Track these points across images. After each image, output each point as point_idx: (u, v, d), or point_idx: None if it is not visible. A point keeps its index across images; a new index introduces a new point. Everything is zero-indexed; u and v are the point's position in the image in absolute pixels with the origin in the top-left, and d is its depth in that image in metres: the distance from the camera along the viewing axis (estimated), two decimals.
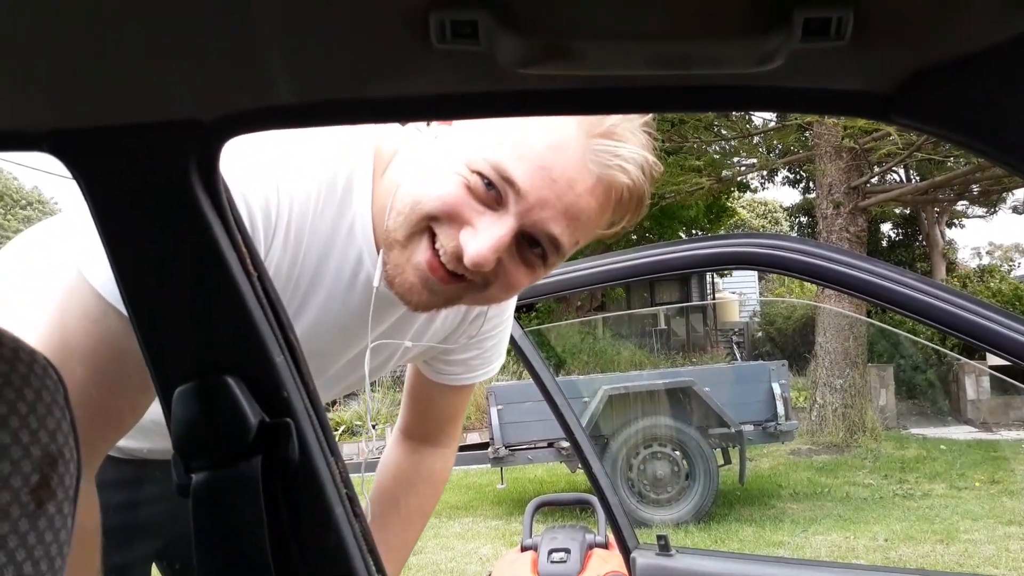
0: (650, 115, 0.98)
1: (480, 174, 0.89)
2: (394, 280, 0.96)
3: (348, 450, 9.74)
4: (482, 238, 0.89)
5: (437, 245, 0.92)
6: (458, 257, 0.91)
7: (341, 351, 1.12)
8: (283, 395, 0.74)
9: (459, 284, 0.94)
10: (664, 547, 1.79)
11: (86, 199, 0.69)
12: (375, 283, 1.00)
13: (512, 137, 0.89)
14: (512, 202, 0.89)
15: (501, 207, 0.90)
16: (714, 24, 0.46)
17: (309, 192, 0.95)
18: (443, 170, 0.91)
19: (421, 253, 0.93)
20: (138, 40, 0.51)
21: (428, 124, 1.01)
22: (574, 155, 0.88)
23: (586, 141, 0.89)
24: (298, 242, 0.96)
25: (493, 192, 0.89)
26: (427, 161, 0.95)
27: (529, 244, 0.93)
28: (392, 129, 1.06)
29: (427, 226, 0.92)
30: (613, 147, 0.89)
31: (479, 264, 0.90)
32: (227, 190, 0.72)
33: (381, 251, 0.98)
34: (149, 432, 1.11)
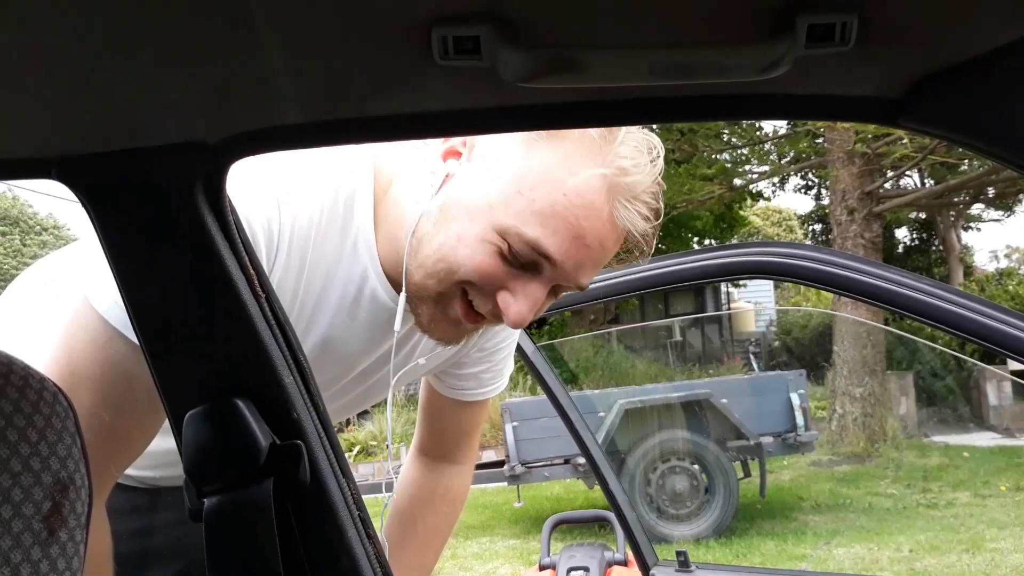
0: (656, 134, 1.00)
1: (512, 245, 0.92)
2: (431, 330, 1.01)
3: (364, 471, 9.72)
4: (522, 302, 0.94)
5: (472, 298, 0.96)
6: (494, 314, 0.96)
7: (349, 367, 1.12)
8: (293, 417, 0.74)
9: (485, 321, 1.00)
10: (684, 563, 1.77)
11: (94, 224, 0.69)
12: (396, 327, 1.01)
13: (539, 203, 0.90)
14: (546, 268, 0.93)
15: (534, 271, 0.94)
16: (718, 32, 0.45)
17: (312, 212, 0.96)
18: (474, 235, 0.93)
19: (456, 308, 0.97)
20: (142, 64, 0.51)
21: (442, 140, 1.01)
22: (603, 216, 0.91)
23: (612, 199, 0.91)
24: (301, 262, 0.96)
25: (525, 263, 0.93)
26: (451, 216, 0.95)
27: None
28: (389, 146, 1.07)
29: (461, 288, 0.96)
30: (637, 202, 0.92)
31: (519, 324, 0.96)
32: (234, 211, 0.72)
33: (402, 297, 0.99)
34: (160, 460, 1.11)
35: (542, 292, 0.95)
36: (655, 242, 1.00)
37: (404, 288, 0.98)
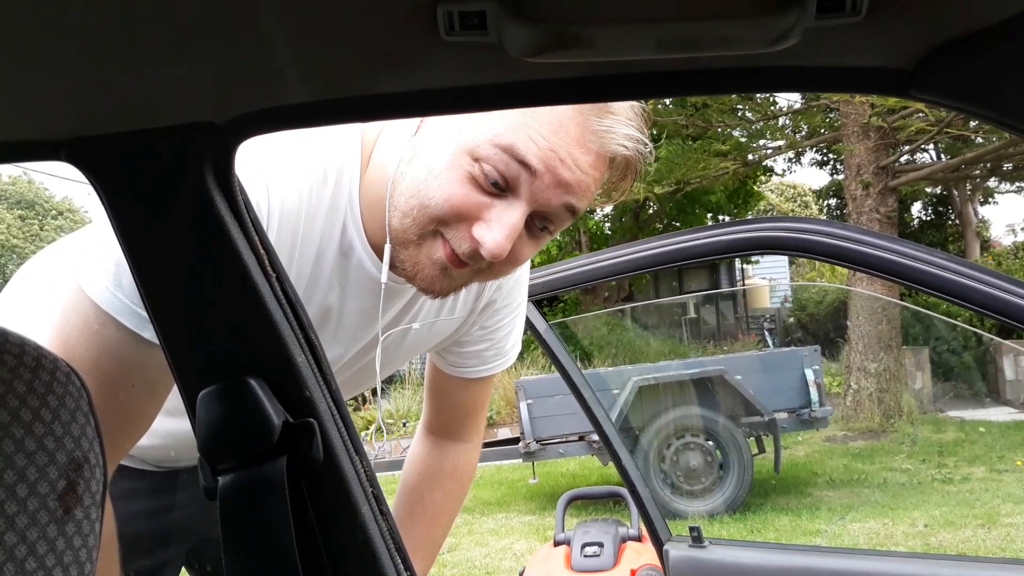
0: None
1: (485, 161, 0.89)
2: (414, 276, 0.97)
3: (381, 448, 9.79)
4: (497, 230, 0.90)
5: (449, 239, 0.93)
6: (474, 252, 0.92)
7: (350, 343, 1.12)
8: (306, 395, 0.74)
9: (472, 267, 0.96)
10: (697, 539, 1.77)
11: (104, 206, 0.69)
12: (383, 279, 1.00)
13: (510, 121, 0.89)
14: (524, 185, 0.90)
15: (510, 194, 0.91)
16: (726, 4, 0.45)
17: (300, 191, 0.96)
18: (444, 164, 0.91)
19: (438, 250, 0.94)
20: (150, 45, 0.51)
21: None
22: (573, 135, 0.90)
23: (583, 120, 0.90)
24: (293, 242, 0.97)
25: (500, 185, 0.90)
26: (423, 151, 0.94)
27: (535, 219, 0.95)
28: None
29: (438, 231, 0.94)
30: (609, 123, 0.91)
31: (498, 255, 0.91)
32: (243, 191, 0.72)
33: (387, 247, 0.97)
34: (173, 441, 1.12)
35: (518, 218, 0.91)
36: (636, 177, 0.98)
37: (388, 237, 0.97)
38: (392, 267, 0.99)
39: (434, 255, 0.95)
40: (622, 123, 0.92)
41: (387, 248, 0.97)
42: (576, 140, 0.90)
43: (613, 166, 0.95)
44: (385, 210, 0.96)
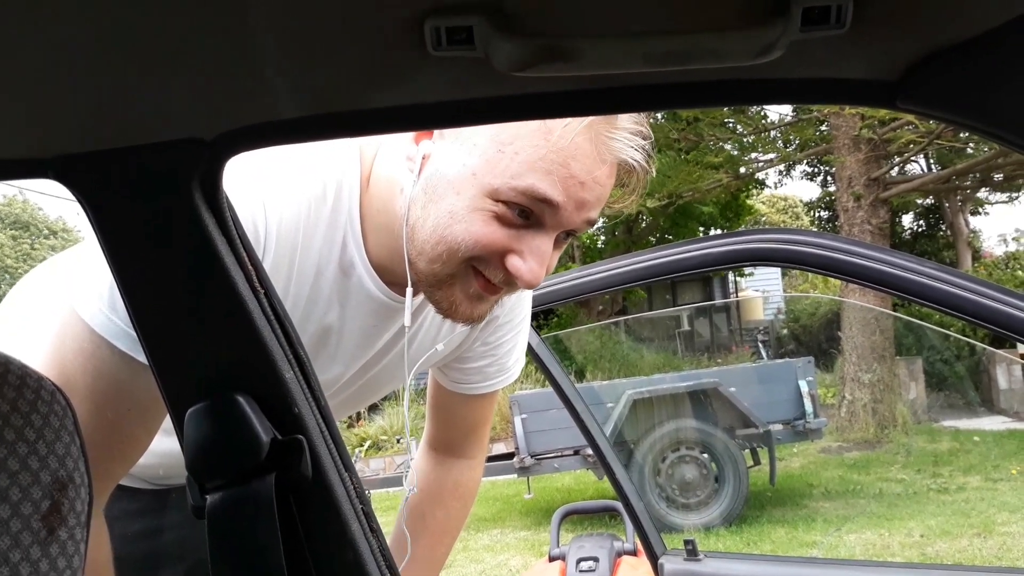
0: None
1: (509, 203, 0.90)
2: (453, 312, 0.99)
3: (375, 465, 9.74)
4: (531, 261, 0.92)
5: (482, 270, 0.94)
6: (509, 280, 0.94)
7: (349, 362, 1.12)
8: (294, 412, 0.74)
9: (506, 290, 0.98)
10: (692, 552, 1.77)
11: (92, 223, 0.69)
12: (406, 322, 1.00)
13: (523, 154, 0.88)
14: (549, 216, 0.91)
15: (536, 223, 0.92)
16: (711, 17, 0.45)
17: (299, 208, 0.95)
18: (466, 206, 0.91)
19: (471, 283, 0.95)
20: (137, 61, 0.51)
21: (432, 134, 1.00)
22: (588, 152, 0.89)
23: (595, 134, 0.90)
24: (291, 258, 0.96)
25: (524, 215, 0.91)
26: (438, 194, 0.93)
27: (559, 233, 0.96)
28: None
29: (469, 265, 0.94)
30: (620, 132, 0.91)
31: (534, 284, 0.93)
32: (231, 207, 0.72)
33: (409, 291, 0.98)
34: (167, 460, 1.11)
35: (548, 244, 0.93)
36: (647, 180, 0.98)
37: (409, 280, 0.97)
38: (415, 294, 1.00)
39: (469, 289, 0.96)
40: (632, 128, 0.92)
41: (408, 292, 0.98)
42: (593, 156, 0.89)
43: (629, 174, 0.96)
44: (391, 239, 0.97)
